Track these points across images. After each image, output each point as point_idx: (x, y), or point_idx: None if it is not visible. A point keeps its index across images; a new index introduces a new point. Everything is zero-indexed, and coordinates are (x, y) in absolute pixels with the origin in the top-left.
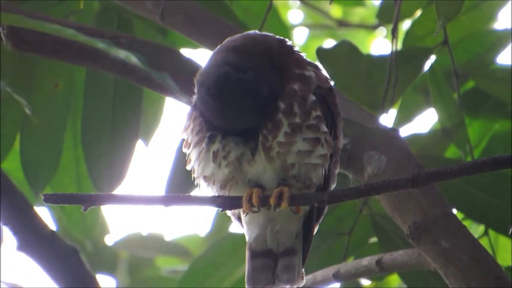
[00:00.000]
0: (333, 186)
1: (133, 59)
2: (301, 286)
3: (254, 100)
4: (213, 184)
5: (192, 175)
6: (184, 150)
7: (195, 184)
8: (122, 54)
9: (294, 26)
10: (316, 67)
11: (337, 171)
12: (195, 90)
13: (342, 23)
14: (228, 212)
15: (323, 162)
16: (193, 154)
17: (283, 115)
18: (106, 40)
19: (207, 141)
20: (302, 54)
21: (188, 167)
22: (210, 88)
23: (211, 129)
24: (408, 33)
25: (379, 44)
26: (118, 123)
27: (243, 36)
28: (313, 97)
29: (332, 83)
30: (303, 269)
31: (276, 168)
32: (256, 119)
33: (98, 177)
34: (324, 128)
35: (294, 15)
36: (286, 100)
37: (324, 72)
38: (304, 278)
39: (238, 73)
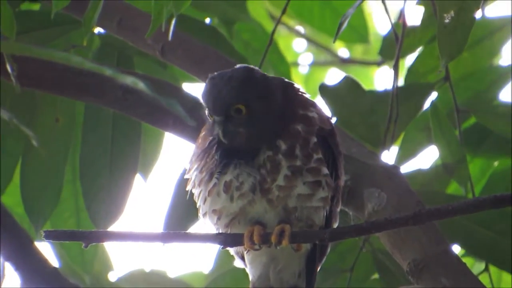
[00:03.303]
0: (335, 225)
1: (140, 85)
2: None
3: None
4: (220, 219)
5: (198, 214)
6: (189, 188)
7: (200, 221)
8: (129, 80)
9: (298, 54)
10: (317, 107)
11: (338, 209)
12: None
13: (345, 60)
14: (232, 251)
15: (324, 204)
16: (201, 191)
17: (284, 157)
18: (113, 68)
19: (218, 175)
20: (306, 95)
21: (197, 205)
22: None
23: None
24: (410, 69)
25: (384, 76)
26: (116, 158)
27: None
28: (315, 139)
29: (333, 121)
30: None
31: (277, 211)
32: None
33: (95, 212)
34: (325, 170)
35: (298, 44)
36: (288, 142)
37: (325, 112)
38: None
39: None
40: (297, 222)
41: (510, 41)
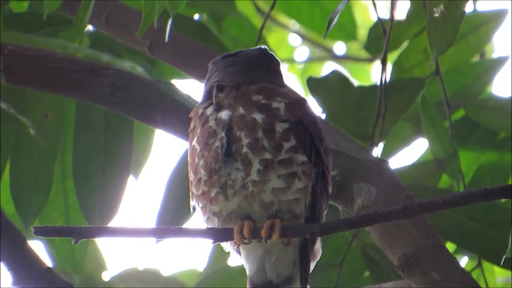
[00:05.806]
0: (324, 205)
1: (139, 69)
2: None
3: None
4: (219, 219)
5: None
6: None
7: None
8: (127, 65)
9: (294, 47)
10: (286, 96)
11: (330, 189)
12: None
13: (337, 57)
14: (228, 246)
15: (304, 194)
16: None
17: (250, 150)
18: (109, 54)
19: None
20: (277, 83)
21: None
22: None
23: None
24: (396, 64)
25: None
26: (109, 157)
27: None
28: (284, 126)
29: (317, 110)
30: None
31: (255, 206)
32: None
33: (90, 212)
34: (300, 158)
35: (294, 38)
36: (248, 134)
37: (298, 96)
38: None
39: None
40: (282, 215)
41: (494, 36)
